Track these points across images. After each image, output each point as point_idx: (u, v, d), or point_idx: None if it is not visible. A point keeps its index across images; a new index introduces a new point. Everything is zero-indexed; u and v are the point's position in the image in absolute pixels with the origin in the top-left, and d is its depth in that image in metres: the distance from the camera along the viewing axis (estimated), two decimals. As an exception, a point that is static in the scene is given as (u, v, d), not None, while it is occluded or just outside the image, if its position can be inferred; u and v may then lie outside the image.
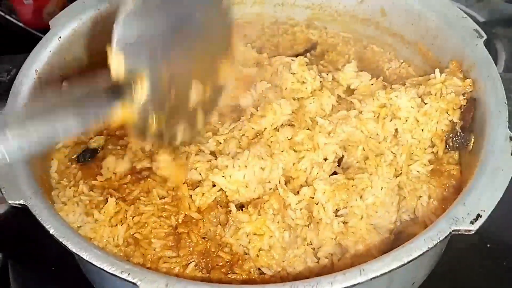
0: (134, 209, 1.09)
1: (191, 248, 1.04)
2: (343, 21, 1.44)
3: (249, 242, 1.04)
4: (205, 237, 1.06)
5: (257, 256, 1.03)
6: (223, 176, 1.07)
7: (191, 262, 1.04)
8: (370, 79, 1.27)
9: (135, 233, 1.07)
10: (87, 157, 1.20)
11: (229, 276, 1.02)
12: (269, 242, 1.03)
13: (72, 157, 1.20)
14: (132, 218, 1.08)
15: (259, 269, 1.04)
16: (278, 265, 1.03)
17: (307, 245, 1.07)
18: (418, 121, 1.15)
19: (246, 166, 1.08)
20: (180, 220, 1.07)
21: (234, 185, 1.07)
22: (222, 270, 1.02)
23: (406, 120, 1.15)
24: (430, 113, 1.14)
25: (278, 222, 1.04)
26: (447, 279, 1.22)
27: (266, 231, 1.03)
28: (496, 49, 1.61)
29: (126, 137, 1.20)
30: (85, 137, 1.23)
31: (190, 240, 1.05)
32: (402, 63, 1.39)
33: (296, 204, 1.08)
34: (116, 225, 1.08)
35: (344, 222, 1.07)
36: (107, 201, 1.09)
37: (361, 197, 1.08)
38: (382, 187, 1.08)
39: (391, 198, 1.09)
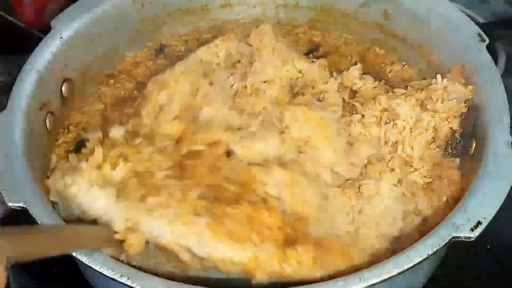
0: (136, 150, 1.08)
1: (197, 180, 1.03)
2: (346, 23, 1.44)
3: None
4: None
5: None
6: None
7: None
8: (373, 82, 1.26)
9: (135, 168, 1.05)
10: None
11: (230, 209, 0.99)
12: None
13: (70, 149, 1.20)
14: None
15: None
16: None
17: None
18: (416, 130, 1.15)
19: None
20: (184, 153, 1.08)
21: None
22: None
23: (404, 128, 1.15)
24: (428, 126, 1.14)
25: None
26: (446, 281, 1.22)
27: None
28: (496, 50, 1.60)
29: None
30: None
31: (196, 172, 1.04)
32: (405, 65, 1.38)
33: None
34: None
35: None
36: None
37: (368, 204, 1.08)
38: (390, 196, 1.08)
39: (398, 206, 1.09)
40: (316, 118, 1.15)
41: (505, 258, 1.29)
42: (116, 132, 1.11)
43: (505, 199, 0.95)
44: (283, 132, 1.14)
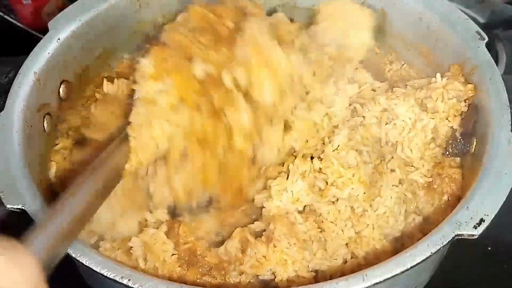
0: None
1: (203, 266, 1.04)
2: (344, 23, 1.44)
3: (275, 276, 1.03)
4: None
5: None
6: None
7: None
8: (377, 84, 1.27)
9: None
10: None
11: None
12: (294, 268, 1.03)
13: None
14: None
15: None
16: None
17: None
18: (413, 131, 1.14)
19: None
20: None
21: None
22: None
23: (403, 129, 1.15)
24: (427, 127, 1.13)
25: (294, 243, 1.03)
26: (448, 282, 1.22)
27: (287, 259, 1.03)
28: (497, 50, 1.60)
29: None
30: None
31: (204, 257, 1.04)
32: (403, 65, 1.38)
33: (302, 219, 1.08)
34: None
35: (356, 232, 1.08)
36: None
37: (370, 206, 1.08)
38: (391, 196, 1.08)
39: (399, 207, 1.09)
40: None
41: (506, 259, 1.29)
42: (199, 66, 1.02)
43: (505, 201, 0.94)
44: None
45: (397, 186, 1.11)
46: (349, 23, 1.26)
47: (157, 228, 1.05)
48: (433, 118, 1.13)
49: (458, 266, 1.24)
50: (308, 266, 1.04)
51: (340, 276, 0.88)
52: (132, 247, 1.03)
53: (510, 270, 1.27)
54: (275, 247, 1.03)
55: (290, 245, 1.03)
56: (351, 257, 1.06)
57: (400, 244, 1.07)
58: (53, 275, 1.24)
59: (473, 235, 0.90)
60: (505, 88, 1.10)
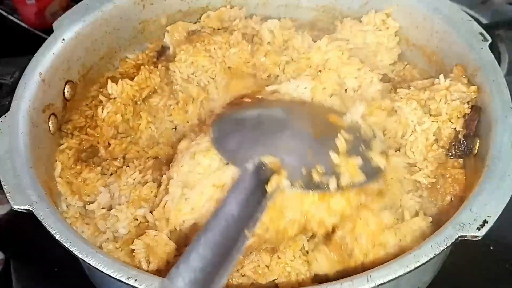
0: None
1: None
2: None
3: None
4: None
5: None
6: None
7: None
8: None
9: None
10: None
11: None
12: (297, 279, 1.02)
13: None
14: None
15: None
16: None
17: None
18: (415, 133, 1.15)
19: None
20: None
21: None
22: None
23: (406, 131, 1.15)
24: (429, 130, 1.14)
25: (299, 256, 1.03)
26: (450, 281, 1.22)
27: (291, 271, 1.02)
28: (499, 51, 1.60)
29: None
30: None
31: None
32: (406, 65, 1.38)
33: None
34: None
35: None
36: None
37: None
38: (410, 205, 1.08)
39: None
40: None
41: (508, 258, 1.29)
42: None
43: (508, 201, 0.95)
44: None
45: (412, 192, 1.11)
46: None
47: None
48: (436, 121, 1.14)
49: (460, 265, 1.24)
50: (313, 277, 1.03)
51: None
52: (134, 249, 1.03)
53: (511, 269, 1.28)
54: (279, 258, 1.02)
55: (295, 258, 1.02)
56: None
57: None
58: (58, 275, 1.26)
59: (476, 237, 0.90)
60: (508, 90, 1.10)
